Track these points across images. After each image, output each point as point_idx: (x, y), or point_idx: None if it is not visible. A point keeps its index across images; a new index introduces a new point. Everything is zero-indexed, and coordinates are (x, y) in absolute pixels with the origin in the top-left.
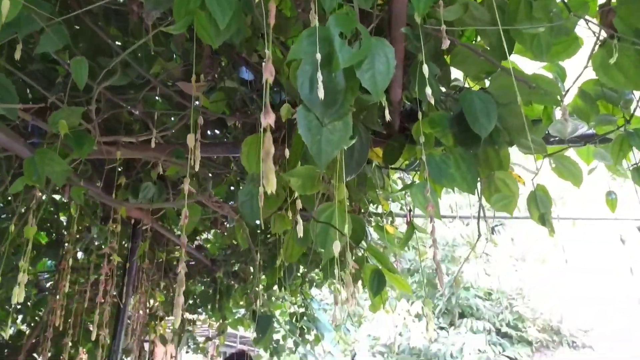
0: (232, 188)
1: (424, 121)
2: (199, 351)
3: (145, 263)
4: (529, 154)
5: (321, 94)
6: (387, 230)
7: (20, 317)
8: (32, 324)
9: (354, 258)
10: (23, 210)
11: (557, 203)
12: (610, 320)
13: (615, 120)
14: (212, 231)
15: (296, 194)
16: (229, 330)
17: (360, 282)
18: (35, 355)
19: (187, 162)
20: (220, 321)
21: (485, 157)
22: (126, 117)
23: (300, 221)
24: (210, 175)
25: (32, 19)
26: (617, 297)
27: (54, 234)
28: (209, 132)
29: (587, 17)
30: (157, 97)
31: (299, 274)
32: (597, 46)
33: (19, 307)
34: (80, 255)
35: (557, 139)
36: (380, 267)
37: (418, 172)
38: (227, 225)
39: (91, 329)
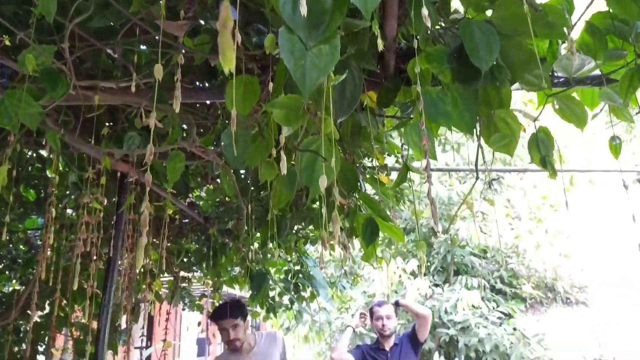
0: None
1: (421, 57)
2: (195, 308)
3: (132, 214)
4: (533, 90)
5: (304, 10)
6: (381, 182)
7: (12, 274)
8: (25, 282)
9: (346, 209)
10: None
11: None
12: (611, 269)
13: (625, 55)
14: (205, 188)
15: (283, 139)
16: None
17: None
18: (29, 312)
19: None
20: (215, 279)
21: (484, 95)
22: (105, 62)
23: (284, 157)
24: (194, 121)
25: None
26: (618, 245)
27: (41, 192)
28: (197, 83)
29: None
30: (138, 41)
31: (293, 231)
32: None
33: (11, 265)
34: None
35: (561, 80)
36: (373, 216)
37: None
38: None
39: (84, 285)
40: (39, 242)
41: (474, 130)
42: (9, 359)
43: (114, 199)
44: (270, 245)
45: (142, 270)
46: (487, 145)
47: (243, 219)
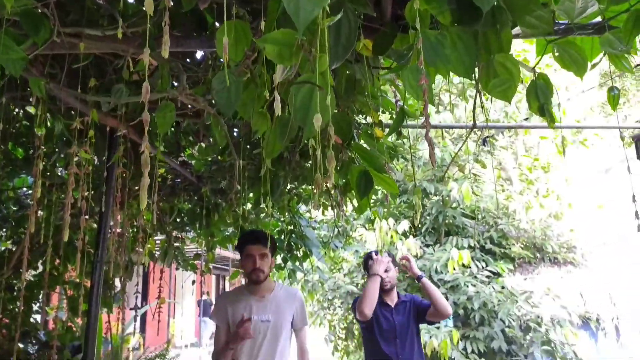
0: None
1: None
2: (189, 268)
3: (120, 168)
4: (534, 35)
5: None
6: (376, 135)
7: (3, 234)
8: (17, 242)
9: (340, 162)
10: None
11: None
12: (607, 228)
13: None
14: (197, 147)
15: (277, 79)
16: (220, 252)
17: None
18: (22, 270)
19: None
20: (209, 238)
21: (484, 40)
22: (90, 9)
23: (278, 97)
24: (184, 69)
25: None
26: (613, 205)
27: (30, 150)
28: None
29: None
30: None
31: (286, 190)
32: None
33: (2, 224)
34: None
35: (562, 27)
36: (367, 169)
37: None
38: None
39: (76, 243)
40: (30, 202)
41: (472, 75)
42: (3, 317)
43: (104, 157)
44: (263, 204)
45: (134, 229)
46: (485, 92)
47: (235, 176)
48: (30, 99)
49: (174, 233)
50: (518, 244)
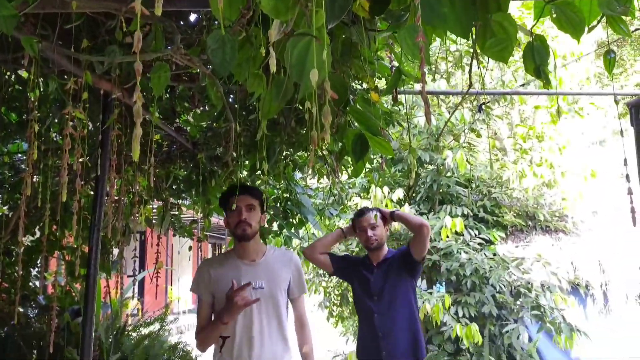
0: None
1: None
2: (186, 234)
3: (116, 131)
4: None
5: None
6: (372, 100)
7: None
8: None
9: (336, 126)
10: None
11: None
12: (603, 197)
13: None
14: (192, 113)
15: (273, 35)
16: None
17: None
18: (19, 235)
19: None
20: (205, 205)
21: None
22: None
23: (274, 54)
24: (178, 29)
25: None
26: (609, 174)
27: (24, 115)
28: None
29: None
30: None
31: (281, 157)
32: None
33: None
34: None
35: None
36: (363, 132)
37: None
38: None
39: (73, 210)
40: (24, 167)
41: (470, 35)
42: (3, 282)
43: (97, 123)
44: (259, 172)
45: (131, 195)
46: (482, 52)
47: (232, 140)
48: (22, 62)
49: (170, 200)
50: (511, 213)
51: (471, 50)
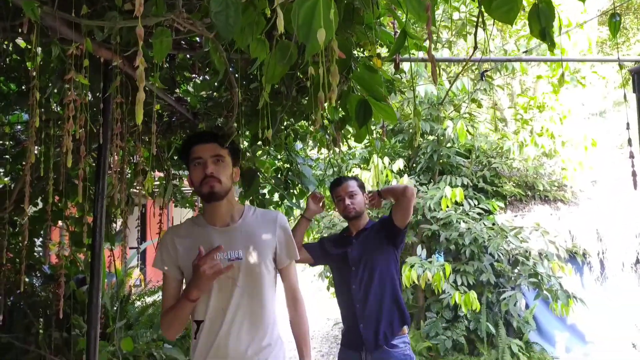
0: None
1: None
2: (187, 205)
3: (118, 98)
4: None
5: None
6: (375, 66)
7: (2, 171)
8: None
9: (339, 90)
10: None
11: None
12: (604, 167)
13: None
14: (192, 82)
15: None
16: None
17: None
18: (22, 206)
19: None
20: None
21: None
22: None
23: (281, 13)
24: None
25: None
26: (611, 145)
27: (22, 85)
28: None
29: None
30: None
31: (282, 127)
32: None
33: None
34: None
35: None
36: (366, 98)
37: None
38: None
39: (75, 181)
40: (25, 137)
41: None
42: (7, 252)
43: (97, 94)
44: (260, 142)
45: (133, 166)
46: (488, 14)
47: (235, 107)
48: (21, 30)
49: (172, 171)
50: (510, 183)
51: (474, 18)
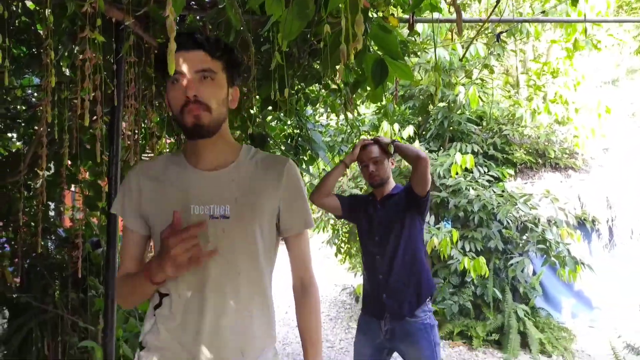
0: None
1: None
2: None
3: (132, 57)
4: None
5: None
6: (389, 26)
7: (15, 135)
8: (28, 141)
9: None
10: None
11: None
12: (612, 134)
13: None
14: None
15: None
16: None
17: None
18: (36, 169)
19: None
20: None
21: None
22: None
23: None
24: None
25: None
26: (620, 113)
27: (33, 48)
28: None
29: None
30: None
31: (293, 91)
32: None
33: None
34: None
35: None
36: (382, 57)
37: None
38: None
39: (87, 146)
40: (36, 100)
41: None
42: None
43: (108, 57)
44: (270, 107)
45: (145, 131)
46: None
47: (252, 64)
48: None
49: (182, 136)
50: (521, 150)
51: None
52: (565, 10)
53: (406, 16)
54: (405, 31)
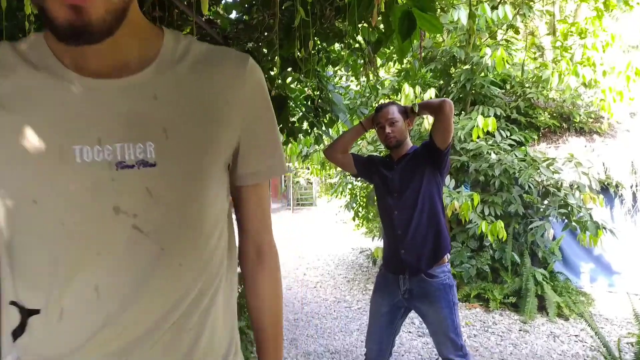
0: None
1: None
2: None
3: (156, 11)
4: None
5: None
6: None
7: None
8: None
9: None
10: None
11: None
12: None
13: None
14: (221, 4)
15: None
16: None
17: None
18: None
19: None
20: None
21: None
22: None
23: None
24: None
25: None
26: None
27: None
28: None
29: None
30: None
31: (314, 51)
32: None
33: None
34: None
35: None
36: (410, 9)
37: None
38: None
39: None
40: None
41: None
42: None
43: None
44: (290, 68)
45: None
46: None
47: (276, 20)
48: None
49: None
50: (545, 114)
51: None
52: None
53: None
54: None
